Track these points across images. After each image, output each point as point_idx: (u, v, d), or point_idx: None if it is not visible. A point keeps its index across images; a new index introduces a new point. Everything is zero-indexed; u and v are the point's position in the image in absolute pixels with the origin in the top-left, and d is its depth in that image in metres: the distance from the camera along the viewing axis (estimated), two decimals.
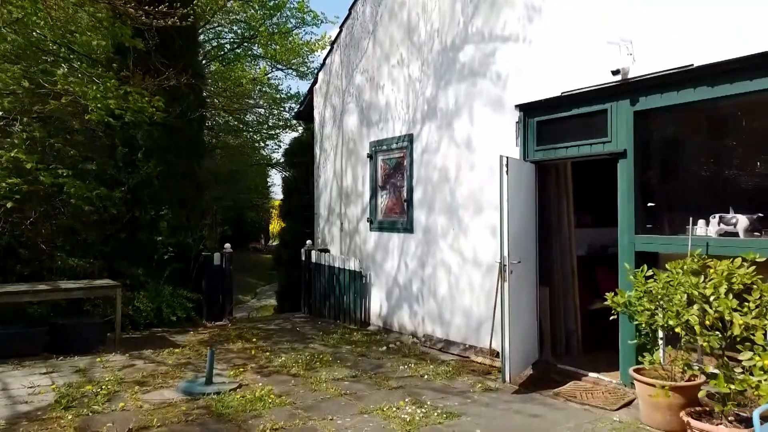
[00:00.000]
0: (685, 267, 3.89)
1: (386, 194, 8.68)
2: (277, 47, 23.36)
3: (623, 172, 5.36)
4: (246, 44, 24.16)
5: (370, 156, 8.95)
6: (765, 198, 4.73)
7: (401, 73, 8.28)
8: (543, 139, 6.21)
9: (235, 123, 24.64)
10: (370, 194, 8.95)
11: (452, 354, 7.03)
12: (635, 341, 4.87)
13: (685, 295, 3.78)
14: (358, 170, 9.34)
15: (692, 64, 4.72)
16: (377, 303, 8.83)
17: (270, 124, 24.92)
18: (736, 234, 4.73)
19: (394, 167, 8.53)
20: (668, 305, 3.43)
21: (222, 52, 24.24)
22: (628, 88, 5.28)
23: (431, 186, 7.71)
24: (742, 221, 4.71)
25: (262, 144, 24.76)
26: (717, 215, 4.87)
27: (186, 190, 9.53)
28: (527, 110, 6.31)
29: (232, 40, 24.49)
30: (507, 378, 5.43)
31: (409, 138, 8.11)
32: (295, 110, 11.54)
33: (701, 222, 5.06)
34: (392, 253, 8.48)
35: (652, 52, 5.04)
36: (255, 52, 25.24)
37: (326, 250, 10.09)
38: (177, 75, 8.72)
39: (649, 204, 5.32)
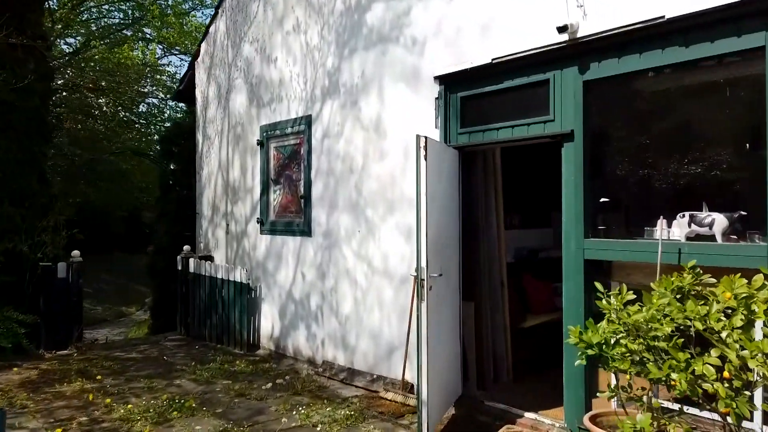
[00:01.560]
0: (684, 287, 2.72)
1: (280, 189, 7.14)
2: (171, 30, 21.09)
3: (570, 158, 4.22)
4: (136, 26, 21.71)
5: (260, 143, 7.38)
6: (746, 193, 3.75)
7: (297, 40, 6.79)
8: (469, 119, 4.98)
9: (126, 114, 22.03)
10: (261, 189, 7.38)
11: (357, 387, 5.63)
12: (581, 361, 3.76)
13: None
14: (247, 160, 7.73)
15: (663, 17, 3.63)
16: (269, 322, 7.26)
17: (168, 116, 22.46)
18: (711, 237, 3.70)
19: (289, 156, 7.01)
20: (673, 351, 2.24)
21: (109, 33, 21.65)
22: (576, 51, 4.14)
23: (333, 179, 6.28)
24: (719, 221, 3.68)
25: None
26: (686, 213, 3.82)
27: (23, 182, 7.46)
28: (449, 83, 5.05)
29: (121, 20, 21.96)
30: (425, 428, 4.10)
31: (307, 120, 6.63)
32: (176, 89, 9.67)
33: (662, 223, 4.02)
34: (287, 261, 6.95)
35: (609, 3, 3.92)
36: (148, 36, 22.78)
37: (209, 258, 8.36)
38: (7, 32, 6.69)
39: (603, 200, 4.22)
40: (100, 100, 20.25)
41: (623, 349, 2.52)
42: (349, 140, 6.08)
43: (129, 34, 22.21)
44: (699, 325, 2.41)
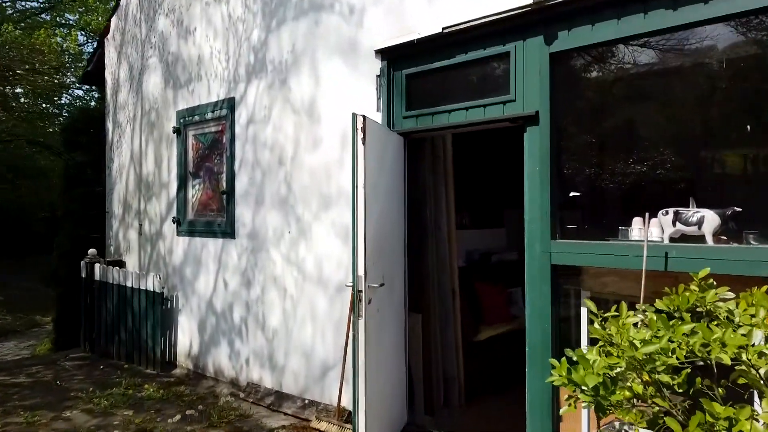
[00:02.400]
0: (699, 306, 2.06)
1: (200, 184, 6.19)
2: (93, 16, 19.44)
3: (534, 145, 3.56)
4: (54, 12, 19.98)
5: (177, 131, 6.40)
6: (742, 185, 3.20)
7: (218, 11, 5.87)
8: (416, 100, 4.25)
9: (47, 105, 20.15)
10: (178, 184, 6.40)
11: (286, 414, 4.80)
12: (554, 379, 3.12)
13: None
14: (162, 151, 6.72)
15: None
16: (186, 337, 6.30)
17: (67, 101, 20.75)
18: (700, 238, 3.12)
19: (209, 146, 6.08)
20: (707, 404, 1.59)
21: (26, 17, 19.81)
22: (542, 17, 3.49)
23: (260, 171, 5.42)
24: (710, 219, 3.10)
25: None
26: (670, 210, 3.23)
27: None
28: (393, 58, 4.31)
29: (40, 4, 20.17)
30: None
31: (230, 104, 5.73)
32: (83, 70, 8.48)
33: (637, 221, 3.43)
34: (207, 267, 6.02)
35: None
36: (70, 22, 20.99)
37: (120, 263, 7.28)
38: None
39: (573, 194, 3.59)
40: (18, 90, 18.48)
41: (628, 394, 1.84)
42: (277, 126, 5.24)
43: (47, 18, 20.45)
44: (726, 358, 1.76)
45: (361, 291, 3.33)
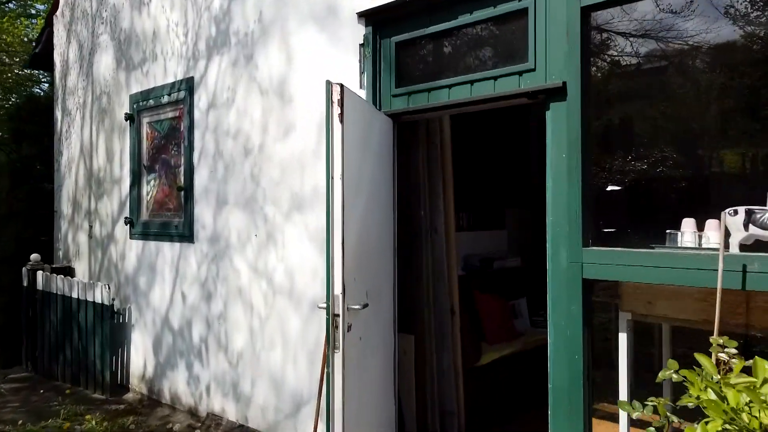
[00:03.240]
0: None
1: (155, 179, 5.33)
2: None
3: (560, 126, 2.78)
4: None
5: (130, 118, 5.53)
6: None
7: None
8: (408, 74, 3.46)
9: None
10: (132, 180, 5.54)
11: None
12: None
13: None
14: (114, 142, 5.85)
15: None
16: (140, 357, 5.44)
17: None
18: None
19: (166, 135, 5.22)
20: None
21: None
22: None
23: (222, 164, 4.58)
24: None
25: None
26: (740, 209, 2.46)
27: None
28: (379, 22, 3.51)
29: None
30: None
31: (188, 85, 4.89)
32: (31, 52, 7.55)
33: (688, 223, 2.69)
34: (162, 276, 5.17)
35: None
36: (39, 13, 19.90)
37: (68, 270, 6.39)
38: None
39: (612, 188, 2.81)
40: None
41: None
42: (242, 110, 4.41)
43: (13, 7, 19.35)
44: None
45: (338, 315, 2.53)
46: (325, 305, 2.58)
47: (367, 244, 2.96)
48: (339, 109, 2.57)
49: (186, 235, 4.89)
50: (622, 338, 2.82)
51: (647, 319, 2.78)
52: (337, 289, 2.54)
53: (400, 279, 3.58)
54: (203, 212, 4.75)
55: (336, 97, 2.56)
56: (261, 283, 4.24)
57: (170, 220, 5.12)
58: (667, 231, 2.75)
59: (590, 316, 2.78)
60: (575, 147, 2.73)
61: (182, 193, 4.95)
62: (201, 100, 4.79)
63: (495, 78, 3.04)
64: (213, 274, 4.65)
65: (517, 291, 5.18)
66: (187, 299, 4.90)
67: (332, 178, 2.57)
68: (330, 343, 2.53)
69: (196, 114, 4.82)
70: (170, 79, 5.11)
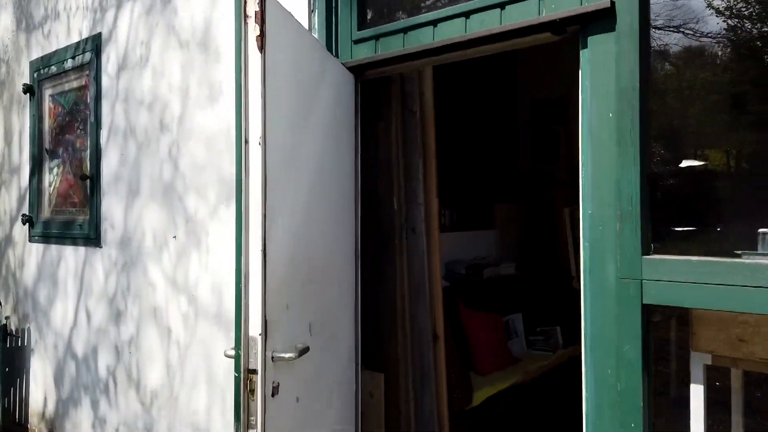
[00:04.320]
0: None
1: (58, 166, 4.22)
2: None
3: (605, 69, 1.83)
4: None
5: (29, 90, 4.40)
6: None
7: None
8: (376, 10, 2.47)
9: None
10: (32, 167, 4.40)
11: None
12: None
13: None
14: (12, 120, 4.71)
15: None
16: (40, 389, 4.32)
17: None
18: None
19: (71, 110, 4.12)
20: None
21: None
22: None
23: (134, 143, 3.52)
24: None
25: None
26: None
27: None
28: None
29: None
30: None
31: (95, 44, 3.80)
32: None
33: None
34: (65, 289, 4.06)
35: None
36: None
37: None
38: None
39: (688, 163, 1.85)
40: None
41: None
42: (159, 71, 3.35)
43: None
44: None
45: (254, 372, 1.51)
46: (233, 353, 1.55)
47: (311, 250, 1.95)
48: (257, 28, 1.55)
49: (92, 237, 3.80)
50: (696, 393, 1.87)
51: (737, 365, 1.84)
52: (254, 328, 1.52)
53: (365, 298, 2.59)
54: (112, 207, 3.67)
55: (253, 8, 1.54)
56: (180, 301, 3.18)
57: (74, 217, 4.02)
58: (760, 231, 1.81)
59: (649, 358, 1.83)
60: (630, 101, 1.77)
61: (88, 182, 3.86)
62: (110, 61, 3.70)
63: (502, 6, 2.06)
64: (123, 288, 3.58)
65: (512, 304, 4.24)
66: (93, 319, 3.81)
67: (245, 142, 1.55)
68: (240, 420, 1.51)
69: (104, 80, 3.74)
70: (75, 39, 4.01)
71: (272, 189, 1.59)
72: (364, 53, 2.42)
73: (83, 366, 3.90)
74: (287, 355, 1.59)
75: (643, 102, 1.76)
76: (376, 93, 2.79)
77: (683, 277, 1.69)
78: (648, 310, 1.78)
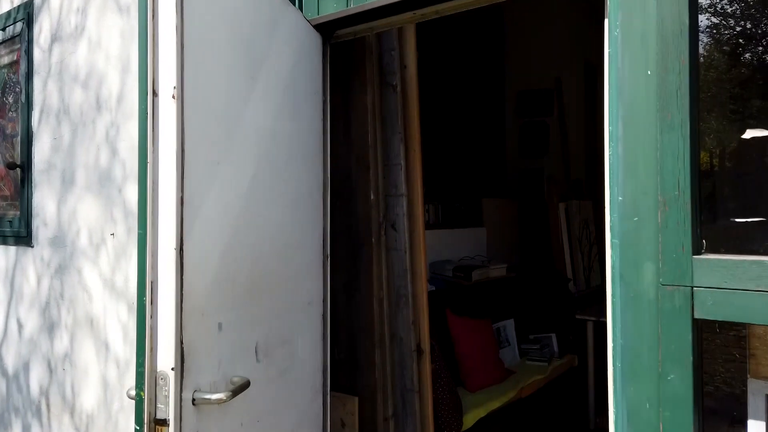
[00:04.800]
0: None
1: None
2: None
3: (642, 14, 1.40)
4: None
5: None
6: None
7: None
8: None
9: None
10: None
11: None
12: None
13: None
14: None
15: None
16: None
17: None
18: None
19: (2, 89, 3.59)
20: None
21: None
22: None
23: (69, 125, 3.02)
24: None
25: None
26: None
27: None
28: None
29: None
30: None
31: (27, 12, 3.30)
32: None
33: None
34: None
35: None
36: None
37: None
38: None
39: (751, 134, 1.43)
40: None
41: None
42: (95, 41, 2.86)
43: None
44: None
45: (164, 423, 1.05)
46: (134, 394, 1.09)
47: (260, 251, 1.50)
48: None
49: (22, 235, 3.29)
50: (755, 430, 1.46)
51: None
52: (164, 360, 1.06)
53: (335, 308, 2.14)
54: (45, 200, 3.16)
55: None
56: (119, 310, 2.70)
57: (4, 213, 3.50)
58: None
59: (700, 389, 1.41)
60: (677, 52, 1.35)
61: (20, 172, 3.34)
62: (42, 32, 3.20)
63: None
64: (56, 294, 3.07)
65: (503, 310, 3.83)
66: (25, 329, 3.29)
67: (153, 95, 1.09)
68: None
69: (36, 53, 3.23)
70: (5, 8, 3.49)
71: (195, 164, 1.13)
72: (333, 7, 1.97)
73: (13, 383, 3.38)
74: (216, 396, 1.13)
75: (693, 53, 1.35)
76: (349, 62, 2.34)
77: (749, 283, 1.27)
78: (699, 327, 1.36)
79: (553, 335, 3.90)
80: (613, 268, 1.50)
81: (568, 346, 3.90)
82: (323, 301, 2.15)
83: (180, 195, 1.09)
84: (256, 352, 1.42)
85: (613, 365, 1.48)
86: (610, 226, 1.49)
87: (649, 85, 1.40)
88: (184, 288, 1.08)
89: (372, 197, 2.33)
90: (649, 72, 1.40)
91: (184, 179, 1.09)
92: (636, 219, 1.43)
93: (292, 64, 1.76)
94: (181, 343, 1.08)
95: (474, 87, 5.28)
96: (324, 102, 2.17)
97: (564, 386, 3.70)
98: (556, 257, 4.05)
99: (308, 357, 1.88)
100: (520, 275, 4.02)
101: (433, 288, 3.36)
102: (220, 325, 1.23)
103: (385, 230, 2.41)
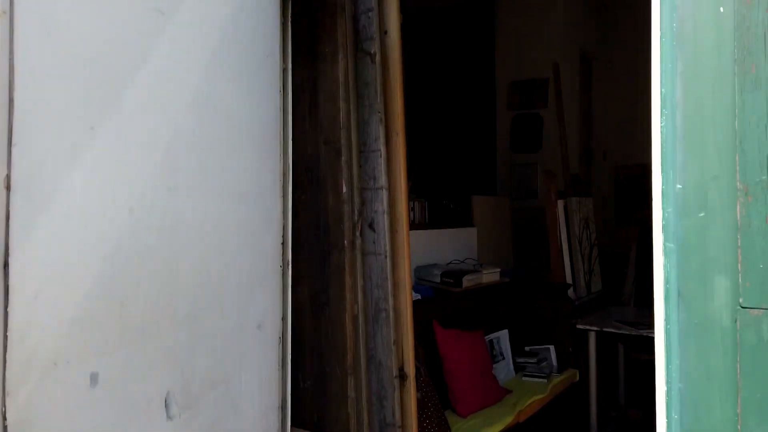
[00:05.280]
0: None
1: None
2: None
3: None
4: None
5: None
6: None
7: None
8: None
9: None
10: None
11: None
12: None
13: None
14: None
15: None
16: None
17: None
18: None
19: None
20: None
21: None
22: None
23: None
24: None
25: None
26: None
27: None
28: None
29: None
30: None
31: None
32: None
33: None
34: None
35: None
36: None
37: None
38: None
39: None
40: None
41: None
42: None
43: None
44: None
45: None
46: None
47: (171, 260, 1.06)
48: None
49: None
50: None
51: None
52: None
53: (300, 325, 1.71)
54: None
55: None
56: None
57: None
58: None
59: None
60: None
61: None
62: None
63: None
64: None
65: (496, 319, 3.43)
66: None
67: None
68: None
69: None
70: None
71: (37, 123, 0.70)
72: None
73: None
74: None
75: None
76: (317, 24, 1.91)
77: None
78: None
79: (552, 347, 3.51)
80: (666, 282, 1.10)
81: (567, 359, 3.52)
82: (282, 320, 1.73)
83: (6, 174, 0.66)
84: (166, 405, 0.99)
85: (668, 418, 1.07)
86: (663, 225, 1.09)
87: (722, 26, 1.00)
88: (10, 326, 0.66)
89: (344, 190, 1.90)
90: (722, 9, 1.00)
91: (12, 147, 0.66)
92: (702, 215, 1.03)
93: (233, 7, 1.33)
94: (3, 418, 0.65)
95: (462, 76, 4.90)
96: (284, 70, 1.74)
97: (565, 406, 3.32)
98: (553, 260, 3.66)
99: (257, 395, 1.45)
100: (514, 280, 3.63)
101: (419, 297, 2.95)
102: (94, 377, 0.81)
103: (361, 230, 1.99)
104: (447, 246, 3.65)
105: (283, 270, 1.77)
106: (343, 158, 1.88)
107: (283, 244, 1.77)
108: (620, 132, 5.73)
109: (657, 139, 1.09)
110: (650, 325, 3.34)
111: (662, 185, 1.08)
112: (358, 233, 1.96)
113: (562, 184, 4.01)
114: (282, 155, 1.78)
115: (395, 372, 2.04)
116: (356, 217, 1.96)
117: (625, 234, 5.42)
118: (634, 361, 4.22)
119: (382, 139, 2.00)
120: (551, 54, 4.91)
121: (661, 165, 1.09)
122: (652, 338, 3.67)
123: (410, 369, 2.09)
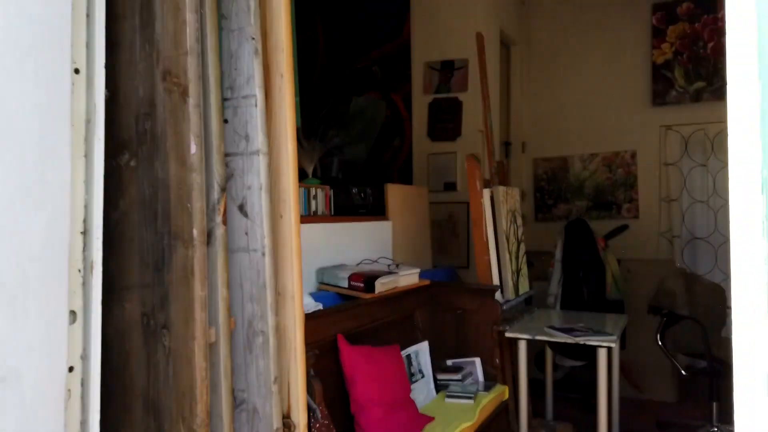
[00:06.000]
0: None
1: None
2: None
3: None
4: None
5: None
6: None
7: None
8: None
9: None
10: None
11: None
12: None
13: None
14: None
15: None
16: None
17: None
18: None
19: None
20: None
21: None
22: None
23: None
24: None
25: None
26: None
27: None
28: None
29: None
30: None
31: None
32: None
33: None
34: None
35: None
36: None
37: None
38: None
39: None
40: None
41: None
42: None
43: None
44: None
45: None
46: None
47: None
48: None
49: None
50: None
51: None
52: None
53: (125, 363, 1.02)
54: None
55: None
56: None
57: None
58: None
59: None
60: None
61: None
62: None
63: None
64: None
65: (415, 330, 2.88)
66: None
67: None
68: None
69: None
70: None
71: None
72: None
73: None
74: None
75: None
76: None
77: None
78: None
79: (477, 359, 3.02)
80: (740, 298, 0.57)
81: (494, 373, 3.05)
82: (86, 358, 1.05)
83: None
84: None
85: None
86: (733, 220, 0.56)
87: None
88: None
89: (194, 152, 1.23)
90: None
91: None
92: None
93: None
94: None
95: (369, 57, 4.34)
96: None
97: (494, 430, 2.83)
98: (479, 258, 3.17)
99: None
100: (434, 283, 3.10)
101: (320, 307, 2.32)
102: None
103: (225, 215, 1.33)
104: (357, 242, 3.05)
105: (84, 276, 1.07)
106: (190, 101, 1.21)
107: (84, 234, 1.08)
108: (539, 123, 5.44)
109: (731, 90, 0.56)
110: (587, 331, 2.88)
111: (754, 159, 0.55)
112: (219, 219, 1.30)
113: (486, 172, 3.54)
114: (86, 89, 1.09)
115: (276, 423, 1.40)
116: (216, 195, 1.30)
117: (545, 230, 5.13)
118: (557, 369, 3.87)
119: (258, 80, 1.34)
120: (471, 34, 4.46)
121: (729, 147, 0.57)
122: (587, 345, 3.07)
123: (300, 415, 1.46)
